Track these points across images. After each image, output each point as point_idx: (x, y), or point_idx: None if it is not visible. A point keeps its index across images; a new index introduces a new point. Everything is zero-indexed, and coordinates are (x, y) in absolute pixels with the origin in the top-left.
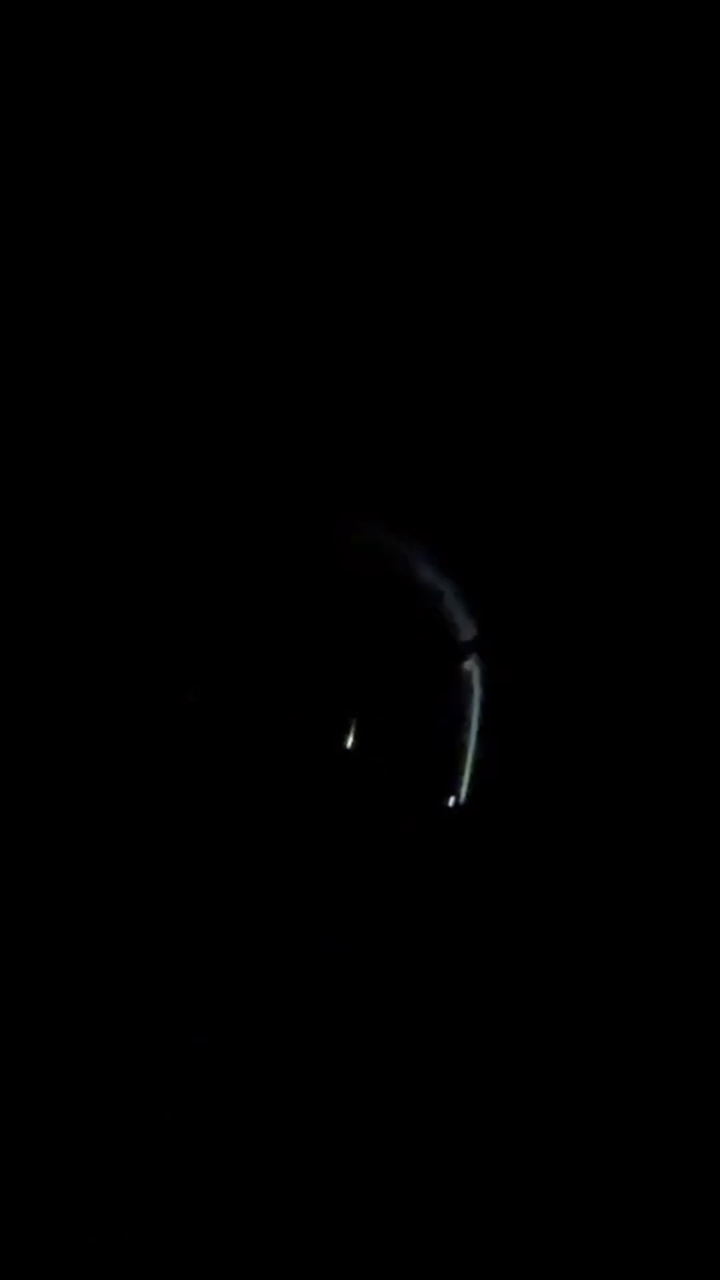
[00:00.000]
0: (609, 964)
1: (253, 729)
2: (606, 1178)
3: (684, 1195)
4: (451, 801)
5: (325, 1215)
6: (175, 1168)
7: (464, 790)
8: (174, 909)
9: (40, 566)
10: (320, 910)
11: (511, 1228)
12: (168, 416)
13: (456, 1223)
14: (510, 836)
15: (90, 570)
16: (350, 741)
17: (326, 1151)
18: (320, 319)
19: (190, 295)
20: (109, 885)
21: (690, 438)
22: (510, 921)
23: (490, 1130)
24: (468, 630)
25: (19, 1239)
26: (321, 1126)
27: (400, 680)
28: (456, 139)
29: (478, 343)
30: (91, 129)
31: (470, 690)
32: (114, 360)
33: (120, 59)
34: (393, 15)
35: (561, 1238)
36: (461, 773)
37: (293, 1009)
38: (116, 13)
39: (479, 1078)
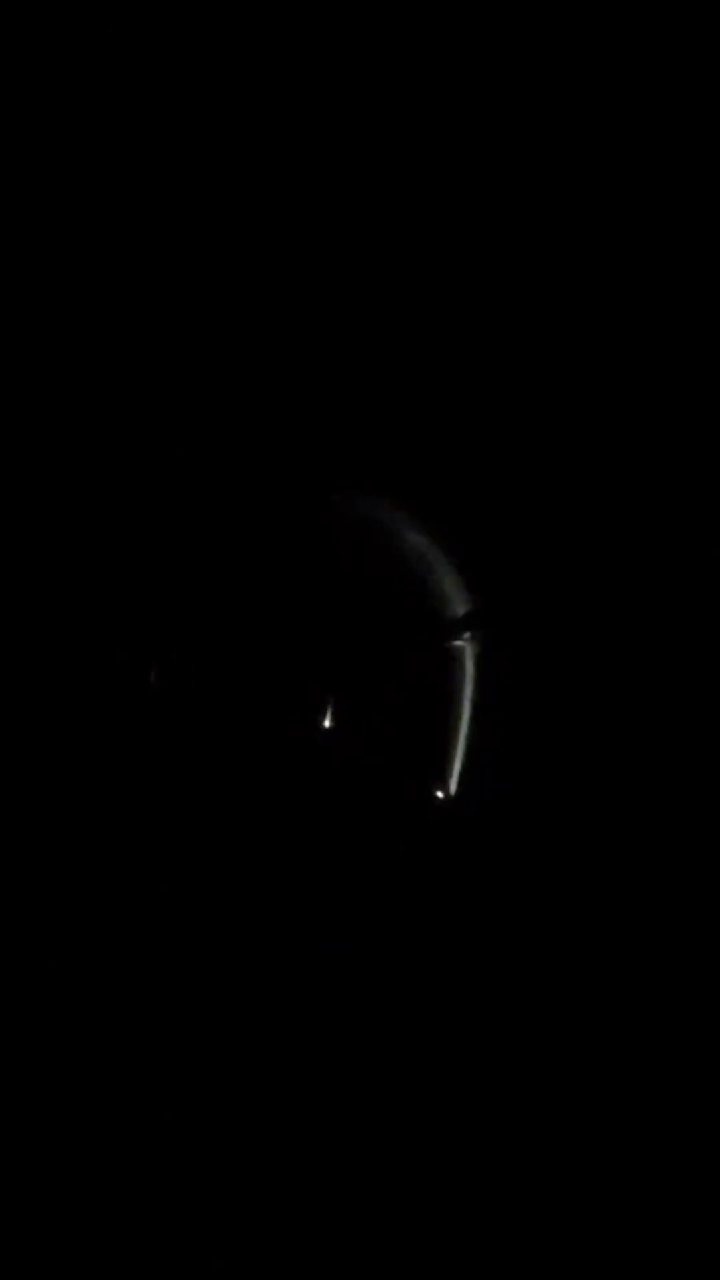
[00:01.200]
0: (612, 971)
1: (219, 712)
2: (604, 1175)
3: (684, 1195)
4: (440, 794)
5: (323, 1213)
6: (171, 1166)
7: (454, 782)
8: (137, 904)
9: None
10: (293, 910)
11: (510, 1226)
12: (132, 381)
13: (454, 1221)
14: (506, 835)
15: (43, 536)
16: (327, 723)
17: (321, 1147)
18: (310, 293)
19: (181, 273)
20: (75, 878)
21: (703, 411)
22: (504, 930)
23: (488, 1127)
24: (460, 603)
25: (19, 1239)
26: (314, 1122)
27: (383, 658)
28: (455, 124)
29: (475, 312)
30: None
31: (463, 670)
32: (93, 333)
33: (120, 57)
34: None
35: (561, 1237)
36: (452, 762)
37: (273, 1007)
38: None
39: (473, 1075)
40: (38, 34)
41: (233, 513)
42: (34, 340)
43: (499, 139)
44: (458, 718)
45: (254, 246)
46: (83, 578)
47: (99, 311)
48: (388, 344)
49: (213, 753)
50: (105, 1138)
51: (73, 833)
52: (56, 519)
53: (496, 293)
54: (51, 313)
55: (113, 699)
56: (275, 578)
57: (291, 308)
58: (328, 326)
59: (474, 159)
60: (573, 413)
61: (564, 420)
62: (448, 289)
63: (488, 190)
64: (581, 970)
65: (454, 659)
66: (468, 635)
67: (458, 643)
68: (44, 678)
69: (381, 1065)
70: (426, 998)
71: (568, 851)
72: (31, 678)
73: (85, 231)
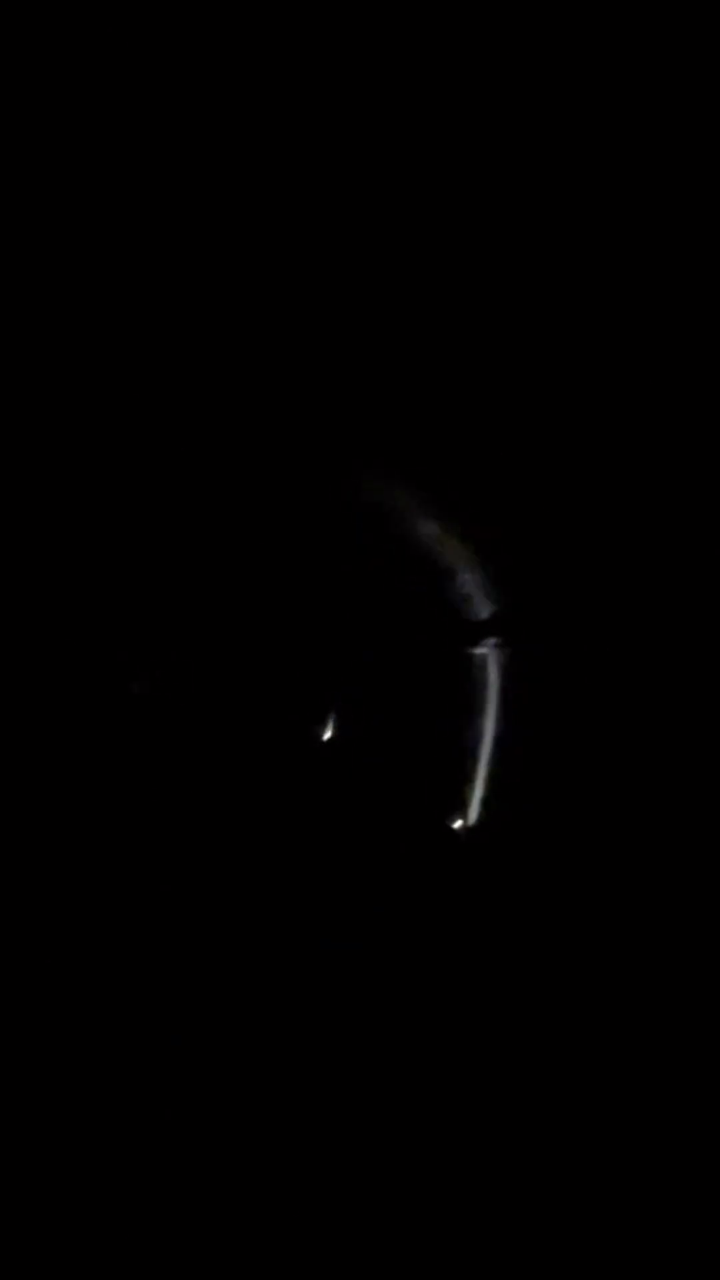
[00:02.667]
0: (641, 1019)
1: (210, 725)
2: (605, 1180)
3: (683, 1195)
4: (459, 824)
5: (322, 1214)
6: (171, 1165)
7: (474, 810)
8: (131, 916)
9: None
10: (287, 936)
11: (509, 1225)
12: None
13: (454, 1221)
14: (533, 873)
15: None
16: (328, 735)
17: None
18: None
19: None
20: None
21: None
22: (527, 980)
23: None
24: (484, 606)
25: (19, 1239)
26: (312, 1129)
27: (391, 665)
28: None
29: (508, 308)
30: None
31: (485, 682)
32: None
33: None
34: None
35: (561, 1236)
36: (472, 787)
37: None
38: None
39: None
40: (38, 34)
41: (223, 498)
42: (35, 330)
43: (503, 133)
44: (479, 735)
45: (267, 239)
46: (77, 581)
47: (104, 309)
48: (412, 326)
49: (196, 772)
50: (105, 1137)
51: (61, 845)
52: (56, 517)
53: (525, 293)
54: (53, 304)
55: (103, 707)
56: (265, 569)
57: (307, 300)
58: (349, 316)
59: (481, 143)
60: (614, 399)
61: (604, 411)
62: (476, 288)
63: (503, 177)
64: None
65: (475, 668)
66: (491, 641)
67: (479, 650)
68: (33, 689)
69: (385, 1080)
70: (437, 1036)
71: (604, 897)
72: (23, 689)
73: (90, 218)
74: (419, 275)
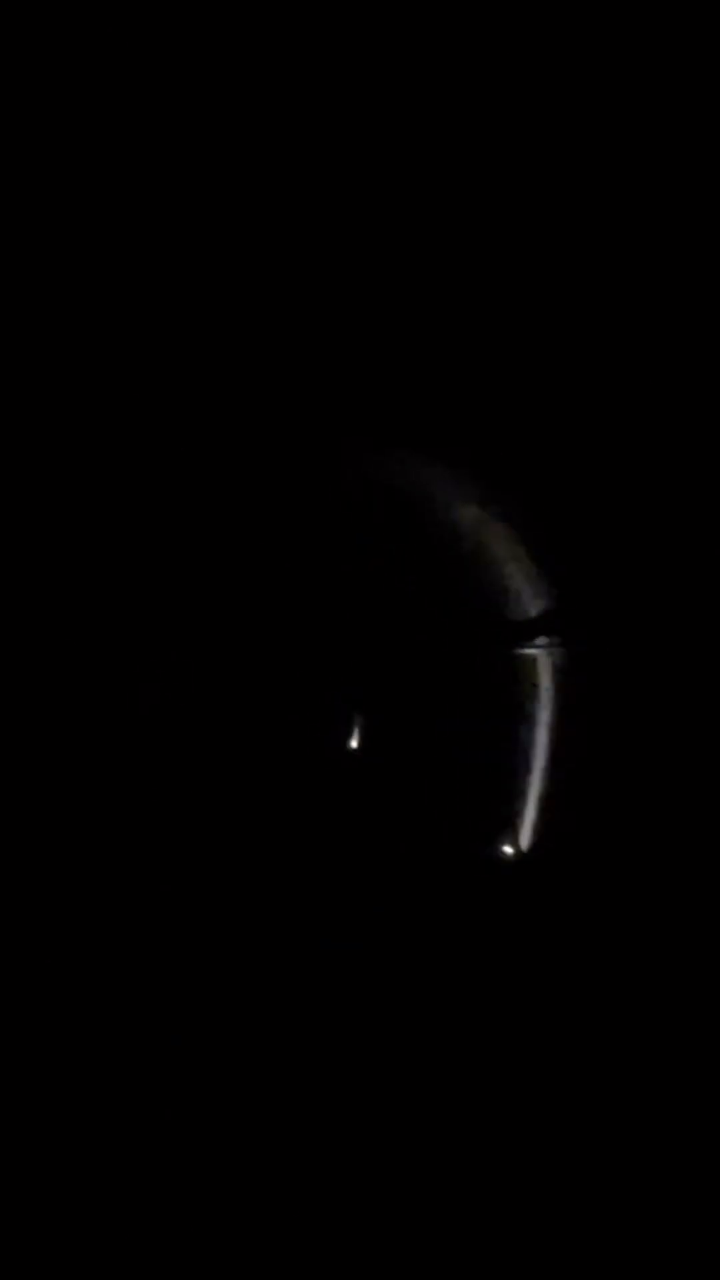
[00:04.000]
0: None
1: (218, 733)
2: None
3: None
4: (509, 850)
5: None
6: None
7: (527, 834)
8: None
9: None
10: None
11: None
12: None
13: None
14: (593, 907)
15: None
16: (353, 743)
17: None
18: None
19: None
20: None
21: None
22: (583, 1033)
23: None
24: (536, 601)
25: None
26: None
27: (430, 670)
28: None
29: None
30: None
31: (537, 688)
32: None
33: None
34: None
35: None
36: (523, 808)
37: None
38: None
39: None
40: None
41: (232, 478)
42: (41, 322)
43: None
44: (530, 750)
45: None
46: (77, 580)
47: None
48: (448, 296)
49: (203, 788)
50: (106, 1137)
51: (70, 862)
52: (57, 515)
53: (582, 286)
54: (57, 296)
55: (107, 718)
56: (279, 560)
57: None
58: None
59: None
60: (687, 376)
61: (673, 368)
62: (530, 264)
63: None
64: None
65: (524, 672)
66: (543, 642)
67: (528, 650)
68: (36, 698)
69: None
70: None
71: (673, 940)
72: (26, 698)
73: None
74: (466, 252)
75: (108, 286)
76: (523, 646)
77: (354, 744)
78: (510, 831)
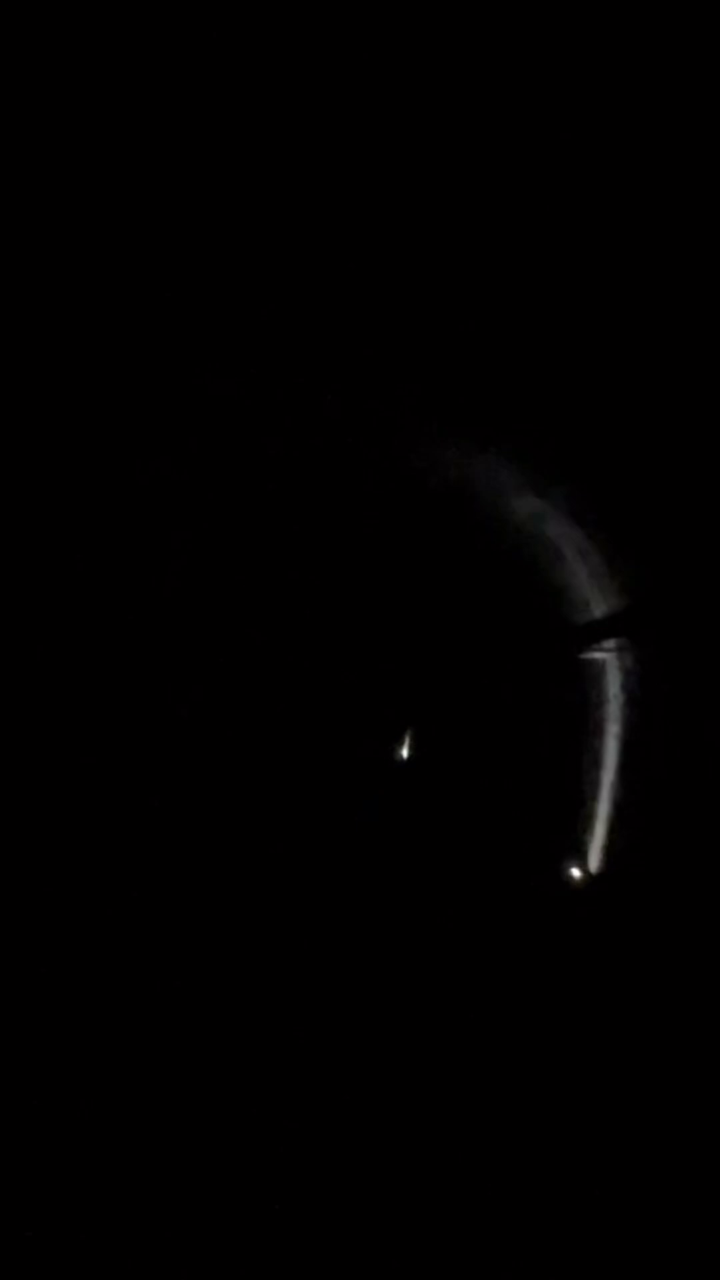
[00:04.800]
0: None
1: (265, 744)
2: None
3: None
4: (575, 874)
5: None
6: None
7: (595, 856)
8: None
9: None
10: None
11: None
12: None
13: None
14: (669, 934)
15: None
16: (404, 753)
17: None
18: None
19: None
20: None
21: None
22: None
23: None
24: (603, 603)
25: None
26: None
27: (487, 676)
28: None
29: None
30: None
31: (605, 695)
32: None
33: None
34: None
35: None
36: (591, 827)
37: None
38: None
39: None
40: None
41: (278, 470)
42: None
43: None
44: (598, 762)
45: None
46: (116, 586)
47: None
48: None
49: (246, 800)
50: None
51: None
52: (100, 514)
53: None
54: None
55: (148, 729)
56: (327, 558)
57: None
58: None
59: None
60: None
61: None
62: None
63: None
64: None
65: (589, 677)
66: (611, 645)
67: (594, 655)
68: (91, 707)
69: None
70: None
71: None
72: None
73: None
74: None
75: (158, 275)
76: (588, 651)
77: (403, 755)
78: (577, 854)
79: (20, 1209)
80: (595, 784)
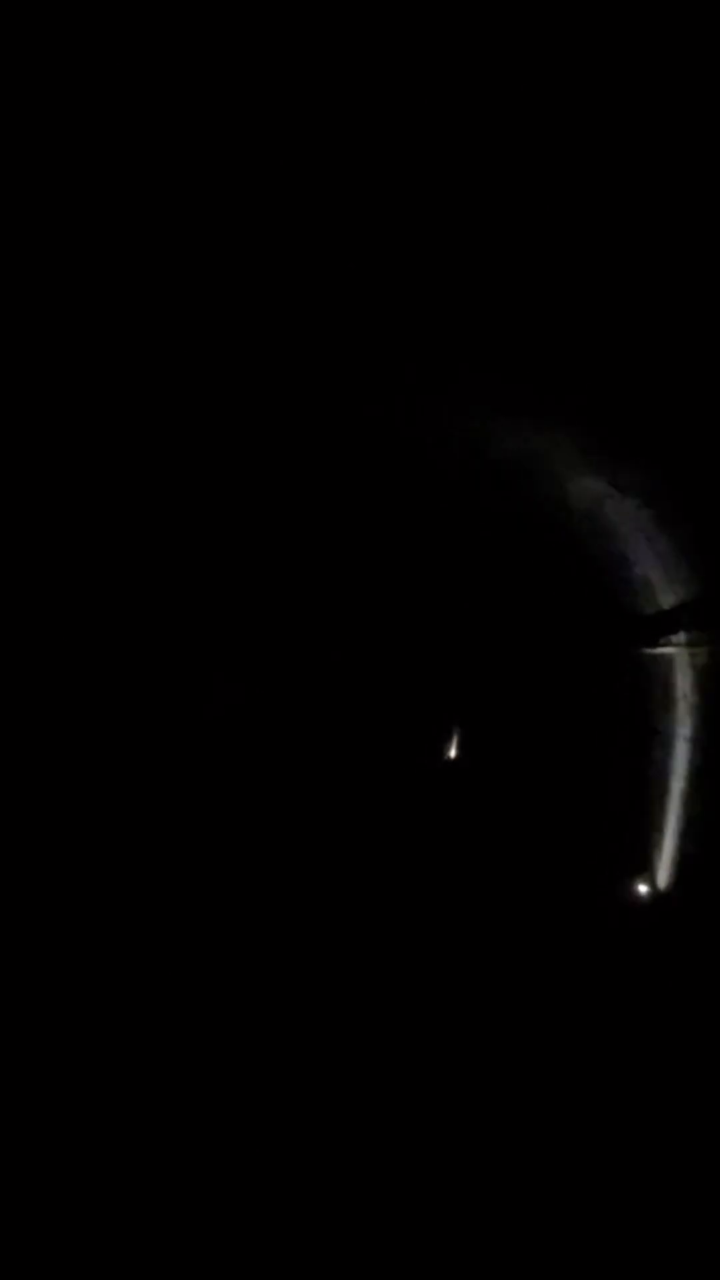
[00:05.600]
0: None
1: (305, 744)
2: None
3: None
4: (643, 890)
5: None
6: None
7: (664, 871)
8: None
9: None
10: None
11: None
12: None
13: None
14: None
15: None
16: (451, 754)
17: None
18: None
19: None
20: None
21: None
22: None
23: None
24: (672, 589)
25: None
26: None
27: (542, 671)
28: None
29: None
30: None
31: (671, 694)
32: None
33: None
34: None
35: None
36: (660, 838)
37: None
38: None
39: None
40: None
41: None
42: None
43: None
44: (667, 767)
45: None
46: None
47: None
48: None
49: (287, 805)
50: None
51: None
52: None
53: None
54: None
55: (183, 727)
56: (370, 546)
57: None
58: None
59: None
60: None
61: None
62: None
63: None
64: None
65: (655, 674)
66: (681, 639)
67: (661, 650)
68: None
69: None
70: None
71: None
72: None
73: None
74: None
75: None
76: (655, 645)
77: (450, 756)
78: (644, 868)
79: (20, 1209)
80: (663, 793)
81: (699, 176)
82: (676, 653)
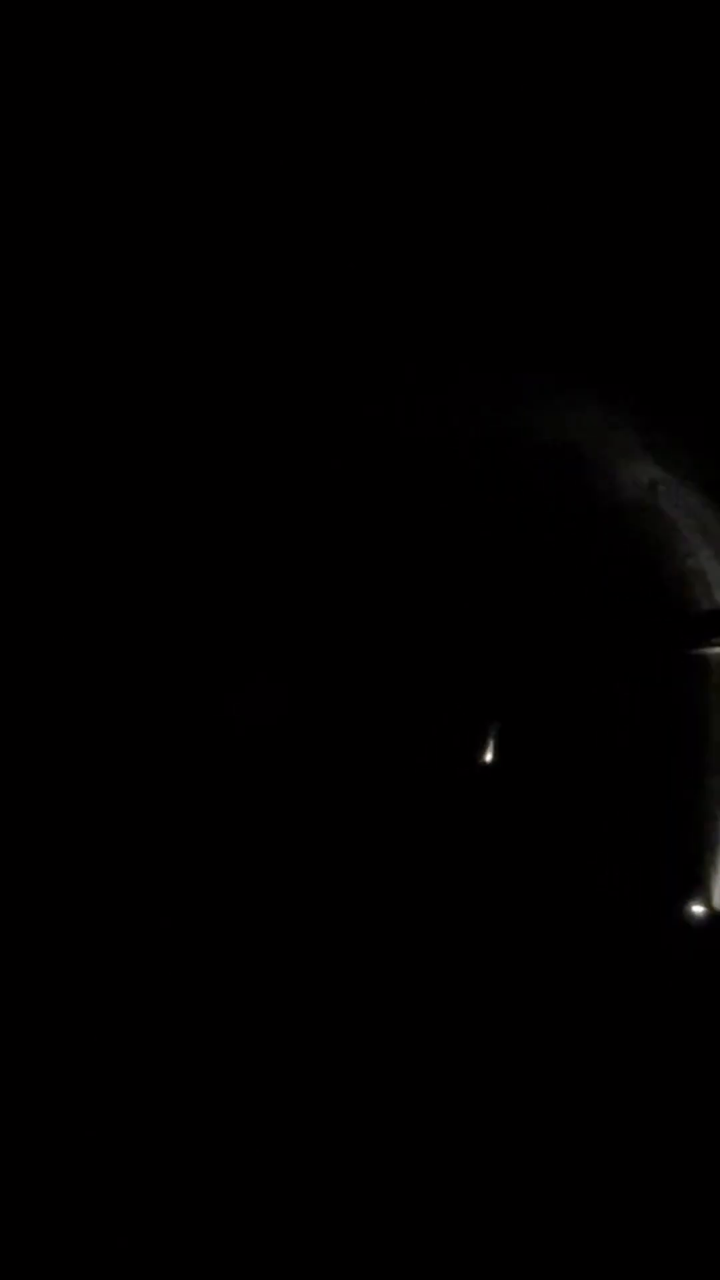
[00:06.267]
0: None
1: (336, 747)
2: None
3: None
4: (698, 911)
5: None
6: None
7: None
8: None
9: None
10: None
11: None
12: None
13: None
14: None
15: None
16: (488, 757)
17: None
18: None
19: None
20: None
21: None
22: None
23: None
24: None
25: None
26: None
27: (587, 671)
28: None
29: None
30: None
31: None
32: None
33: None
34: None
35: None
36: (716, 856)
37: None
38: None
39: None
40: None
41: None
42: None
43: None
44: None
45: None
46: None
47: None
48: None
49: (318, 812)
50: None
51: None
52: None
53: None
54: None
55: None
56: (404, 536)
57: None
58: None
59: None
60: None
61: None
62: None
63: None
64: None
65: (708, 675)
66: None
67: (713, 650)
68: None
69: None
70: None
71: None
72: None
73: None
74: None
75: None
76: (705, 645)
77: (487, 759)
78: (698, 886)
79: (20, 1207)
80: (718, 802)
81: None
82: None
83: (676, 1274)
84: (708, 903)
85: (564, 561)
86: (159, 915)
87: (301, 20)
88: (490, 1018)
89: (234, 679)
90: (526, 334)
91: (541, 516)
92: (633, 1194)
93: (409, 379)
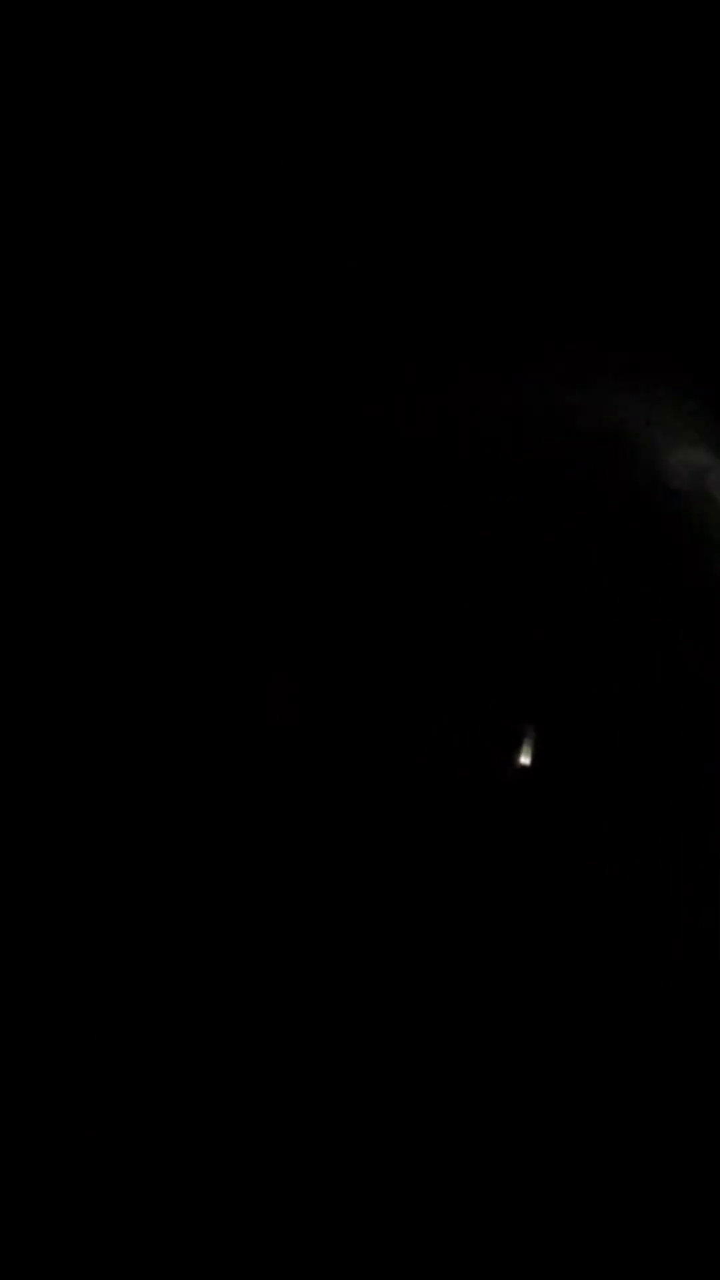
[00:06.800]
0: None
1: (363, 750)
2: None
3: None
4: None
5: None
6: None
7: None
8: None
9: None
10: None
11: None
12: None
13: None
14: None
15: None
16: (524, 760)
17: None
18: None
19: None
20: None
21: None
22: None
23: None
24: None
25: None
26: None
27: (629, 667)
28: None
29: None
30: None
31: None
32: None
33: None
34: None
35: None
36: None
37: None
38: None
39: None
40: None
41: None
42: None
43: None
44: None
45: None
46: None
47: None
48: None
49: (345, 820)
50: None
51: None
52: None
53: None
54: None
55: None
56: (433, 521)
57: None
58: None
59: None
60: None
61: None
62: None
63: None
64: None
65: None
66: None
67: None
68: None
69: None
70: None
71: None
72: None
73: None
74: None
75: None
76: None
77: (526, 757)
78: None
79: (19, 1207)
80: None
81: None
82: None
83: (676, 1274)
84: None
85: (613, 550)
86: (169, 912)
87: (301, 20)
88: (497, 1024)
89: (254, 677)
90: (564, 327)
91: (581, 505)
92: (633, 1193)
93: (435, 356)
